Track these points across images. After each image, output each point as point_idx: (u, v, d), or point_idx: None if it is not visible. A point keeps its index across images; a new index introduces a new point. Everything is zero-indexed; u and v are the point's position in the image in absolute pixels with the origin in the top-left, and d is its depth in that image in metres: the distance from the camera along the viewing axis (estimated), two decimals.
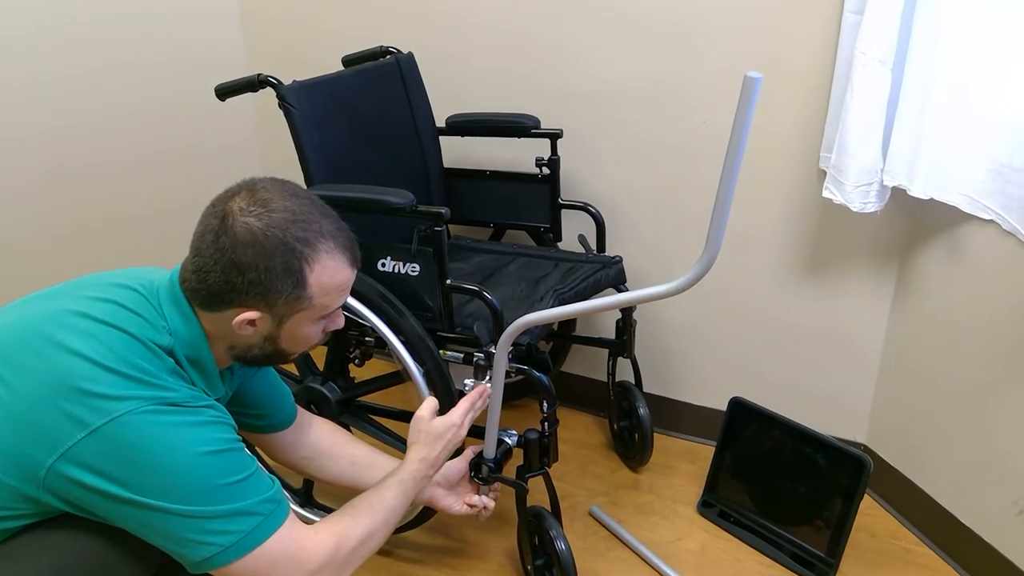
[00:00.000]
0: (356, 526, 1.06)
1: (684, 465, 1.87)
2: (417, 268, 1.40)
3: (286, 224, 0.95)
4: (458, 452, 1.42)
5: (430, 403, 1.29)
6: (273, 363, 1.10)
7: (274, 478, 1.00)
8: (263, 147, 2.35)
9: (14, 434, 0.88)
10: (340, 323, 1.08)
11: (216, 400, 1.05)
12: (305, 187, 1.30)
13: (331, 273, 0.98)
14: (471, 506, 1.40)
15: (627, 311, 1.71)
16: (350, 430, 1.53)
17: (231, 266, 0.93)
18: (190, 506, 0.89)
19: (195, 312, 0.99)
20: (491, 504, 1.42)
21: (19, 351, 0.91)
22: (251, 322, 0.97)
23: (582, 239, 1.78)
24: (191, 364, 0.99)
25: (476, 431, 1.41)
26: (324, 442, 1.34)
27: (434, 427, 1.26)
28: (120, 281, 1.00)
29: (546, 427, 1.38)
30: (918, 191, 1.41)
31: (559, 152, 1.75)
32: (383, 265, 1.43)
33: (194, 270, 0.96)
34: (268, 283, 0.94)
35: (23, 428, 0.87)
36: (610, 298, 1.13)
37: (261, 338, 1.01)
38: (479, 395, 1.32)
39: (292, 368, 1.58)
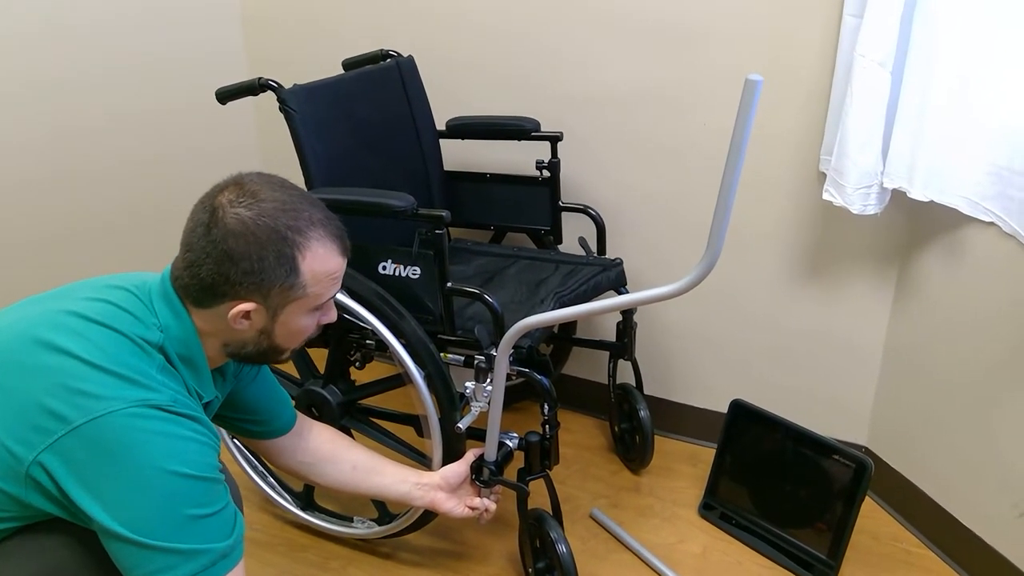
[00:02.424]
0: None
1: (685, 468, 1.87)
2: (418, 271, 1.40)
3: (276, 213, 0.95)
4: (459, 456, 1.42)
5: None
6: (268, 360, 1.09)
7: (240, 515, 0.96)
8: (263, 150, 2.35)
9: (3, 433, 0.88)
10: (333, 316, 1.09)
11: (208, 402, 1.05)
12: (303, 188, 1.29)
13: (322, 260, 0.99)
14: (472, 509, 1.41)
15: (628, 313, 1.71)
16: (351, 433, 1.53)
17: (224, 257, 0.93)
18: (142, 536, 0.86)
19: (187, 309, 0.99)
20: (492, 507, 1.43)
21: (13, 352, 0.91)
22: (246, 315, 0.97)
23: (582, 242, 1.78)
24: (182, 361, 0.99)
25: (477, 434, 1.41)
26: (324, 447, 1.34)
27: None
28: (114, 283, 1.01)
29: (547, 430, 1.38)
30: (918, 194, 1.42)
31: (559, 155, 1.75)
32: (384, 268, 1.43)
33: (186, 266, 0.96)
34: (262, 272, 0.95)
35: (12, 426, 0.88)
36: (611, 300, 1.13)
37: (256, 332, 1.01)
38: None
39: (293, 371, 1.58)
